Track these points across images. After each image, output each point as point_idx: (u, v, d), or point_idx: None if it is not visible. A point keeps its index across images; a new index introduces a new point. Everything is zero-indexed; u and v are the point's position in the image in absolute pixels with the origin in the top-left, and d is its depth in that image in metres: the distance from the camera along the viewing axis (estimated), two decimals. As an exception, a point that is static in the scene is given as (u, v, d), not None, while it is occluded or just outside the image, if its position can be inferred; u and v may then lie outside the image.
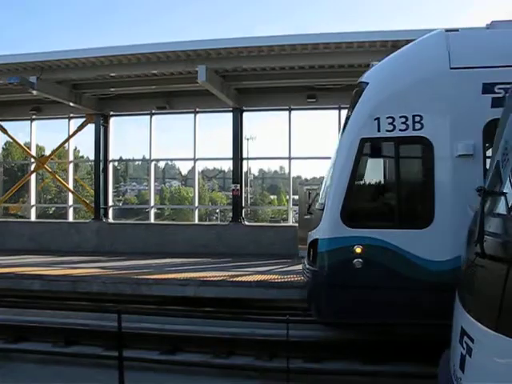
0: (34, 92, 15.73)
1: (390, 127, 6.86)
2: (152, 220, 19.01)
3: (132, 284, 11.32)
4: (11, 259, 15.41)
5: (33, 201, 20.41)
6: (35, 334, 8.20)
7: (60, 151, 21.53)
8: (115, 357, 6.04)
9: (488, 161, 6.22)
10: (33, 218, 20.31)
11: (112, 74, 15.98)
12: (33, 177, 20.40)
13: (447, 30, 7.21)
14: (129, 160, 28.41)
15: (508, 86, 5.90)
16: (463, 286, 3.93)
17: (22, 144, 20.85)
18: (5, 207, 22.07)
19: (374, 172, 7.27)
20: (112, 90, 17.53)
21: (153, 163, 19.24)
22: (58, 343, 7.92)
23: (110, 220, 18.77)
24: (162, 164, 43.47)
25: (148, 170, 19.89)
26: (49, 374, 6.87)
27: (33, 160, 20.23)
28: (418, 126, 6.82)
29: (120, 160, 24.80)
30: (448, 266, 6.34)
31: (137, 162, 37.81)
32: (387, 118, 6.89)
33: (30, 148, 20.40)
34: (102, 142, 18.46)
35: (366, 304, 6.68)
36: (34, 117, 19.68)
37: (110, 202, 19.15)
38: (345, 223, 6.84)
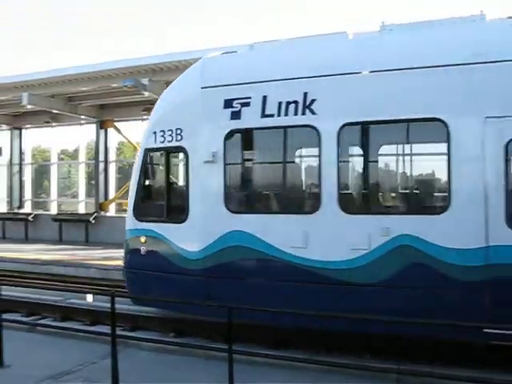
0: (146, 93, 16.53)
1: (162, 139, 8.27)
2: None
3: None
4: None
5: (144, 197, 21.39)
6: (149, 323, 8.68)
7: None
8: (224, 349, 6.17)
9: (229, 166, 7.73)
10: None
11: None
12: (143, 174, 21.38)
13: (225, 53, 8.67)
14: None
15: (243, 100, 7.54)
16: None
17: (134, 143, 21.99)
18: (118, 203, 23.38)
19: (153, 176, 8.82)
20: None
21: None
22: (167, 333, 8.41)
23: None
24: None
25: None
26: (160, 361, 7.32)
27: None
28: (179, 137, 8.11)
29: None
30: (200, 256, 7.73)
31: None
32: (160, 131, 8.28)
33: (141, 147, 21.38)
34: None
35: (153, 285, 8.21)
36: (145, 117, 20.67)
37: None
38: (135, 218, 8.46)
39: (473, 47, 6.71)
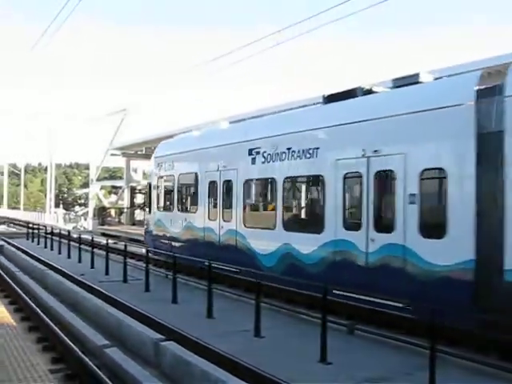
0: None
1: (150, 179, 21.55)
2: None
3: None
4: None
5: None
6: (467, 340, 8.22)
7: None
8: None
9: (158, 191, 19.13)
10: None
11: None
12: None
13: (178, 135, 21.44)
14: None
15: (161, 164, 18.86)
16: None
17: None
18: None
19: (149, 194, 20.51)
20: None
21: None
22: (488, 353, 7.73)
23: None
24: None
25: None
26: (475, 381, 6.89)
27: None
28: (151, 179, 20.43)
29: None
30: (154, 228, 19.12)
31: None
32: (150, 175, 22.42)
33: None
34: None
35: (150, 241, 19.04)
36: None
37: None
38: (148, 211, 20.52)
39: (201, 142, 16.99)
